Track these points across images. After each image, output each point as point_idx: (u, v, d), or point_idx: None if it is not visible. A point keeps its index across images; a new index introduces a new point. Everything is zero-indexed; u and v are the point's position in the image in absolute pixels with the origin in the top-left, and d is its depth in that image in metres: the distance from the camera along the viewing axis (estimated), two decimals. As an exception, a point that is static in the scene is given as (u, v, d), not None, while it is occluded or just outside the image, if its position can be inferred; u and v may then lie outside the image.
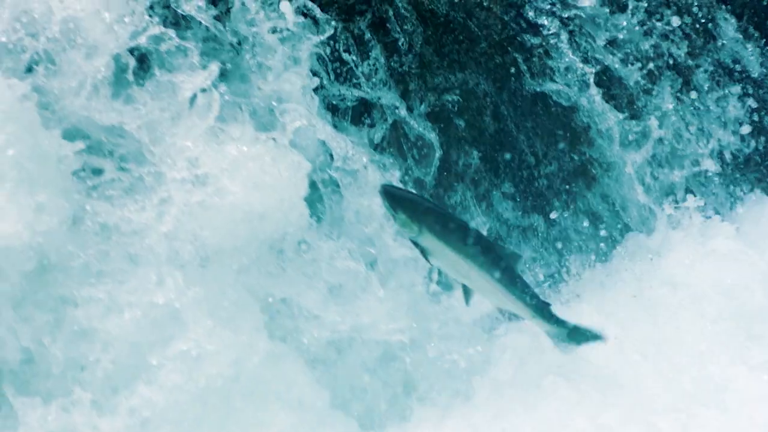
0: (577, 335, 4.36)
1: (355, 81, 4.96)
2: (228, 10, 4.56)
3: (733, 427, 4.37)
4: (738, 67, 5.89)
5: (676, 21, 5.70)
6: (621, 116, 5.52)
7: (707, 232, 5.57)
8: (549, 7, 5.46)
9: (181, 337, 4.05)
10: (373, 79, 5.00)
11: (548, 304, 4.36)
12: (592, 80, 5.43)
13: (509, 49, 5.39)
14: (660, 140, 5.64)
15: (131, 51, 4.24)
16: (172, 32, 4.26)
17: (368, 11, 5.04)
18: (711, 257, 5.40)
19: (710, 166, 5.76)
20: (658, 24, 5.70)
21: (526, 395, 4.48)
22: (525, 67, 5.38)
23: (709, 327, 4.95)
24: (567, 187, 5.54)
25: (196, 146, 4.18)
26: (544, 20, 5.44)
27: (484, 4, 5.38)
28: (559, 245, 5.43)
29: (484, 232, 5.13)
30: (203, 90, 4.22)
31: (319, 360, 4.38)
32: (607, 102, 5.49)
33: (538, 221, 5.42)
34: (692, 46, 5.80)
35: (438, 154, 5.12)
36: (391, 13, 5.11)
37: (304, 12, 4.72)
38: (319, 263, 4.39)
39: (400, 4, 5.14)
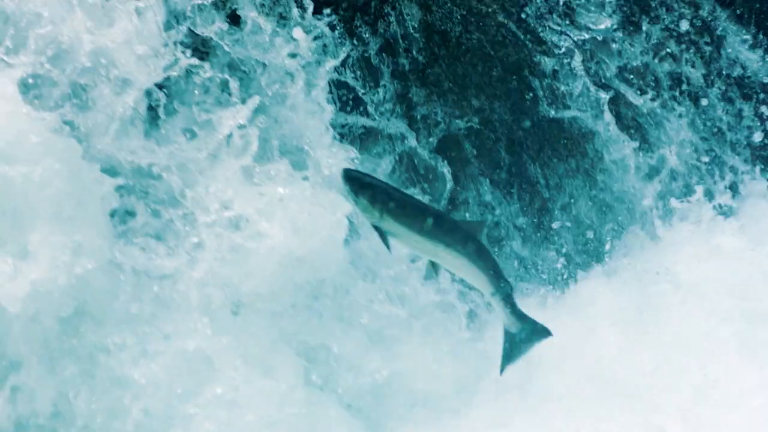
0: (528, 329, 4.52)
1: (362, 109, 5.13)
2: (246, 36, 4.70)
3: (738, 427, 4.51)
4: (748, 73, 6.21)
5: (684, 25, 6.01)
6: (635, 144, 5.80)
7: (712, 229, 5.79)
8: (563, 29, 5.69)
9: (215, 384, 4.19)
10: (381, 108, 5.18)
11: (510, 286, 4.52)
12: (606, 107, 5.69)
13: (525, 73, 5.61)
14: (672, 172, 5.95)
15: (162, 85, 4.35)
16: (207, 65, 4.38)
17: (378, 35, 5.22)
18: (715, 255, 5.59)
19: (718, 180, 6.09)
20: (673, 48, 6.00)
21: (528, 396, 4.66)
22: (541, 93, 5.61)
23: (713, 326, 5.09)
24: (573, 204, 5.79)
25: (230, 187, 4.30)
26: (557, 41, 5.68)
27: (499, 19, 5.57)
28: (562, 262, 5.64)
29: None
30: (241, 126, 4.35)
31: (359, 407, 4.52)
32: (620, 128, 5.76)
33: (549, 256, 5.63)
34: (704, 60, 6.11)
35: (449, 186, 5.33)
36: (399, 35, 5.30)
37: (317, 35, 4.89)
38: (356, 308, 4.55)
39: (409, 25, 5.32)
